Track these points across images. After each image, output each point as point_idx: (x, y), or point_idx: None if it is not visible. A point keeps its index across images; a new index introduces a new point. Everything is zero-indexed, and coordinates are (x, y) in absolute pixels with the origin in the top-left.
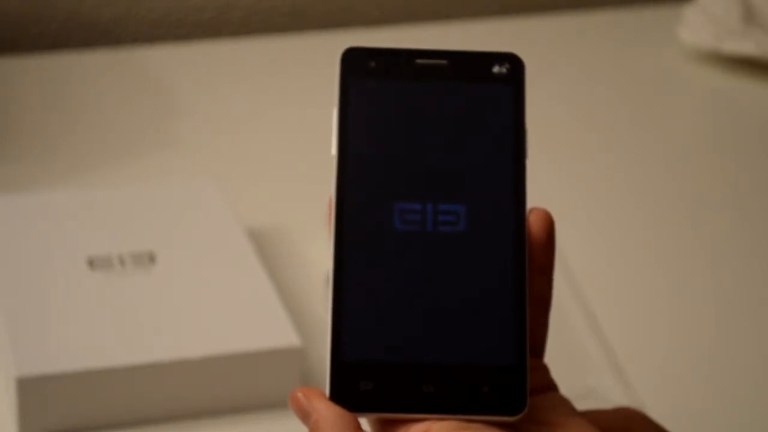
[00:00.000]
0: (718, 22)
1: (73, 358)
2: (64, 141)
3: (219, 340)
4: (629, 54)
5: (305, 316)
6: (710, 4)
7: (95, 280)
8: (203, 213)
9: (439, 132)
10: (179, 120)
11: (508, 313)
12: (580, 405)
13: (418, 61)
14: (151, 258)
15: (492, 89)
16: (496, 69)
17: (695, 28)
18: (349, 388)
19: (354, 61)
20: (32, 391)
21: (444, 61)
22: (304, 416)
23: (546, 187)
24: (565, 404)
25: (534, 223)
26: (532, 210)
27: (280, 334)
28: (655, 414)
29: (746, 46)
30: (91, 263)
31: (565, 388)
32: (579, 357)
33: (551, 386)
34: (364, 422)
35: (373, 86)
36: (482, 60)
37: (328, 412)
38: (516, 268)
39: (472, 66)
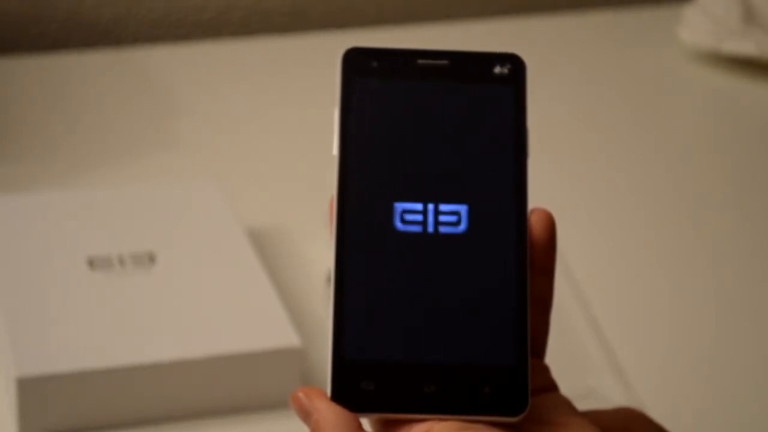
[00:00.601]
0: (718, 22)
1: (73, 358)
2: (64, 141)
3: (219, 340)
4: (629, 54)
5: (305, 316)
6: (710, 4)
7: (95, 280)
8: (203, 213)
9: (441, 132)
10: (179, 120)
11: (510, 313)
12: (581, 405)
13: (420, 61)
14: (151, 258)
15: (493, 90)
16: (497, 69)
17: (695, 28)
18: (350, 388)
19: (355, 62)
20: (32, 391)
21: (445, 62)
22: (306, 416)
23: (546, 187)
24: (566, 404)
25: (535, 223)
26: (533, 210)
27: (280, 334)
28: (655, 414)
29: (746, 46)
30: (91, 263)
31: (565, 388)
32: (579, 357)
33: (552, 386)
34: (366, 422)
35: (374, 86)
36: (483, 60)
37: (329, 412)
38: (517, 268)
39: (473, 66)
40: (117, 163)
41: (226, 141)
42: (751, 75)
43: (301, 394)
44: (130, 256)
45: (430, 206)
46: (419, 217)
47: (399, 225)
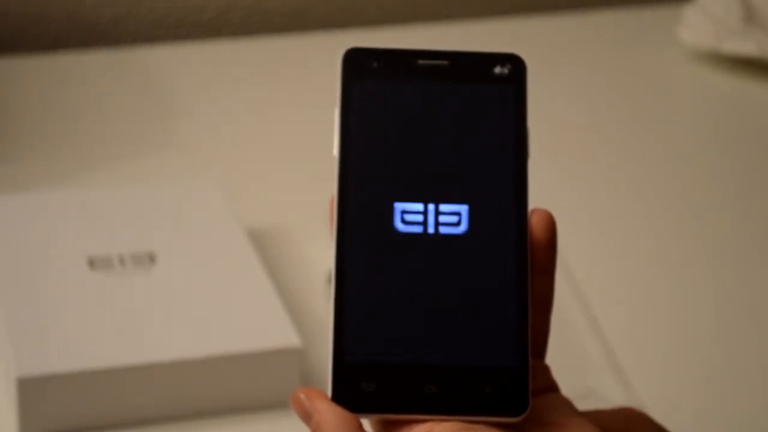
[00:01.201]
0: (718, 22)
1: (73, 358)
2: (64, 141)
3: (219, 340)
4: (629, 54)
5: (305, 316)
6: (710, 4)
7: (95, 280)
8: (203, 213)
9: (441, 132)
10: (179, 120)
11: (510, 313)
12: (581, 405)
13: (420, 61)
14: (152, 258)
15: (494, 90)
16: (497, 70)
17: (695, 28)
18: (351, 388)
19: (356, 62)
20: (32, 391)
21: (446, 62)
22: (306, 417)
23: (546, 187)
24: (567, 405)
25: (536, 223)
26: (534, 211)
27: (281, 334)
28: (655, 414)
29: (746, 46)
30: (92, 263)
31: (565, 389)
32: (579, 357)
33: (553, 387)
34: (366, 423)
35: (374, 87)
36: (484, 60)
37: (330, 413)
38: (517, 268)
39: (473, 67)
40: (117, 163)
41: (226, 141)
42: (752, 75)
43: (301, 395)
44: (130, 256)
45: (431, 207)
46: (420, 218)
47: (399, 225)
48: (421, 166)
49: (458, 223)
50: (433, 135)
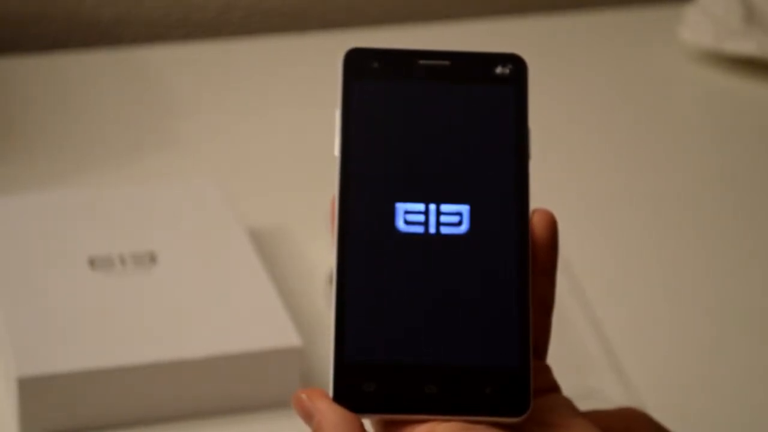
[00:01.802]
0: (718, 22)
1: (74, 358)
2: (64, 141)
3: (219, 340)
4: (629, 54)
5: (306, 316)
6: (711, 4)
7: (96, 280)
8: (204, 213)
9: (442, 132)
10: (179, 120)
11: (511, 313)
12: (581, 405)
13: (421, 61)
14: (152, 258)
15: (495, 90)
16: (499, 70)
17: (696, 28)
18: (352, 389)
19: (356, 62)
20: (32, 391)
21: (446, 62)
22: (307, 417)
23: (546, 187)
24: (568, 405)
25: (537, 224)
26: (535, 211)
27: (281, 334)
28: (656, 414)
29: (747, 46)
30: (92, 263)
31: (566, 389)
32: (580, 357)
33: (554, 387)
34: (367, 423)
35: (375, 87)
36: (485, 61)
37: (331, 413)
38: (519, 268)
39: (474, 67)
40: (117, 163)
41: (227, 141)
42: (752, 75)
43: (303, 395)
44: (130, 256)
45: (432, 207)
46: (421, 218)
47: (401, 225)
48: (422, 166)
49: (459, 223)
50: (434, 135)
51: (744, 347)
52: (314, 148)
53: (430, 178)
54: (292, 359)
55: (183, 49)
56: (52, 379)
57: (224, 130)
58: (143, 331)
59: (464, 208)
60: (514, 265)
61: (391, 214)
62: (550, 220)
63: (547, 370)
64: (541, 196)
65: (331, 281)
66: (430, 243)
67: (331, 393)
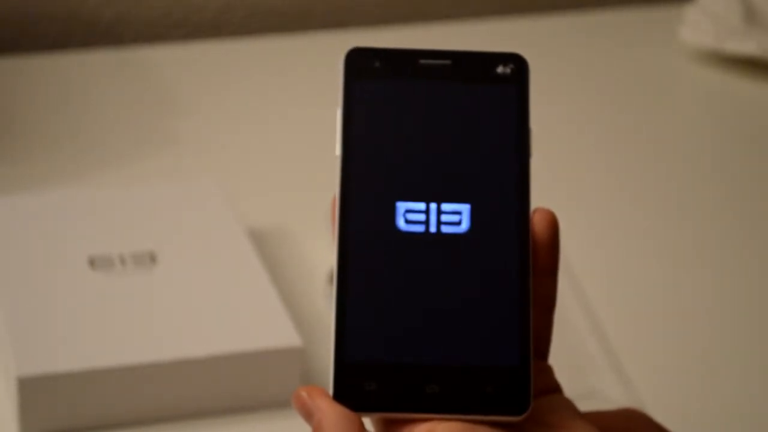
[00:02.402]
0: (719, 22)
1: (74, 358)
2: (64, 141)
3: (219, 340)
4: (630, 54)
5: (306, 316)
6: (711, 4)
7: (96, 280)
8: (204, 213)
9: (443, 132)
10: (180, 120)
11: (512, 313)
12: (582, 405)
13: (422, 61)
14: (152, 258)
15: (496, 89)
16: (500, 69)
17: (696, 28)
18: (352, 387)
19: (357, 62)
20: (33, 391)
21: (448, 62)
22: (308, 416)
23: (547, 187)
24: (569, 406)
25: (538, 223)
26: (536, 210)
27: (281, 334)
28: (656, 414)
29: (747, 45)
30: (92, 263)
31: (566, 389)
32: (580, 357)
33: (555, 387)
34: (368, 422)
35: (376, 86)
36: (486, 60)
37: (331, 412)
38: (519, 268)
39: (475, 66)
40: (117, 163)
41: (227, 141)
42: (752, 75)
43: (303, 394)
44: (131, 256)
45: (433, 206)
46: (422, 217)
47: (401, 225)
48: (423, 166)
49: (460, 223)
50: (435, 134)
51: (744, 347)
52: (314, 148)
53: (430, 177)
54: (292, 359)
55: (183, 49)
56: (52, 378)
57: (224, 130)
58: (143, 331)
59: (465, 208)
60: (515, 265)
61: (392, 213)
62: (551, 219)
63: (548, 371)
64: (541, 196)
65: (331, 281)
66: (430, 242)
67: (331, 392)
